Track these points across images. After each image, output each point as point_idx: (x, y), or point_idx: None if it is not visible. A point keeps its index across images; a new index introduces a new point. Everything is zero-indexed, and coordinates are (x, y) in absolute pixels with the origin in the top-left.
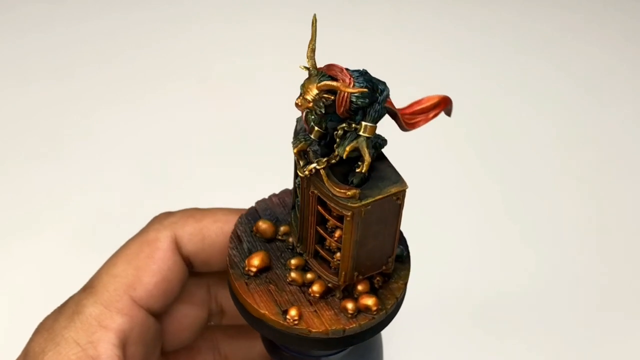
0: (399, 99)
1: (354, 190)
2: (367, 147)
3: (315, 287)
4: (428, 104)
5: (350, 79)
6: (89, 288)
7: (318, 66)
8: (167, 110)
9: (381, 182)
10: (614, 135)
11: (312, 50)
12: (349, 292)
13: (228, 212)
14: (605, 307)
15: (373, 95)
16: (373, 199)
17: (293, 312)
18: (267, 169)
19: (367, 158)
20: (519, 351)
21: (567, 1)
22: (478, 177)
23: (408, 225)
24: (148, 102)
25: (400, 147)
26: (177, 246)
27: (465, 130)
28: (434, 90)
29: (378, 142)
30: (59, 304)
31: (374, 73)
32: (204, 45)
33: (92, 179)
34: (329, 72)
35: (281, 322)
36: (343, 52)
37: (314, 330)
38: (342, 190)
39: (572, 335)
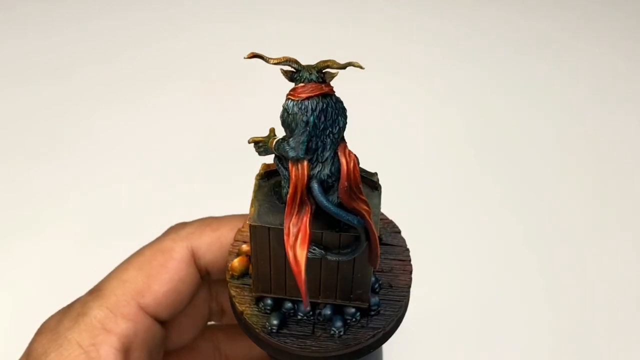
0: (400, 98)
1: (261, 173)
2: (263, 146)
3: None
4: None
5: (298, 96)
6: (96, 291)
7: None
8: (167, 110)
9: (279, 210)
10: (616, 134)
11: (327, 66)
12: None
13: (244, 218)
14: (611, 312)
15: (289, 131)
16: (257, 206)
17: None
18: None
19: (251, 138)
20: (521, 354)
21: (567, 1)
22: (478, 176)
23: (408, 225)
24: (148, 102)
25: (401, 146)
26: (195, 257)
27: (465, 130)
28: (433, 88)
29: (283, 165)
30: (60, 304)
31: (373, 72)
32: (204, 45)
33: (92, 178)
34: (318, 83)
35: None
36: (343, 50)
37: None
38: (263, 166)
39: (574, 338)
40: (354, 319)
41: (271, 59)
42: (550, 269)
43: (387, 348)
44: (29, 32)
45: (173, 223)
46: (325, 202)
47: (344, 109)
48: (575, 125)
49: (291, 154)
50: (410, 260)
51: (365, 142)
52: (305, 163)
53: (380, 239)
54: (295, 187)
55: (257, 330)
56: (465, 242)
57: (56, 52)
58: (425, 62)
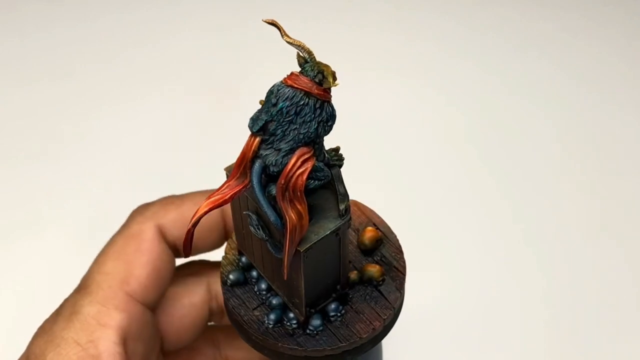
0: (401, 96)
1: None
2: None
3: None
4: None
5: (286, 80)
6: (83, 288)
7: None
8: (167, 110)
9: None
10: (616, 133)
11: (323, 70)
12: None
13: (206, 193)
14: (614, 313)
15: (263, 104)
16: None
17: None
18: None
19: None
20: (521, 354)
21: (568, 1)
22: (479, 175)
23: (408, 223)
24: (148, 102)
25: (401, 144)
26: (162, 235)
27: (466, 128)
28: (434, 86)
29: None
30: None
31: (374, 70)
32: (204, 45)
33: (92, 178)
34: (313, 82)
35: None
36: (344, 50)
37: None
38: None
39: (576, 339)
40: (289, 324)
41: (287, 35)
42: (551, 268)
43: (387, 348)
44: (29, 32)
45: None
46: (254, 182)
47: (327, 121)
48: (575, 123)
49: (248, 123)
50: (384, 320)
51: (366, 140)
52: (258, 139)
53: (379, 284)
54: (243, 156)
55: (220, 274)
56: (465, 241)
57: (56, 52)
58: (425, 61)
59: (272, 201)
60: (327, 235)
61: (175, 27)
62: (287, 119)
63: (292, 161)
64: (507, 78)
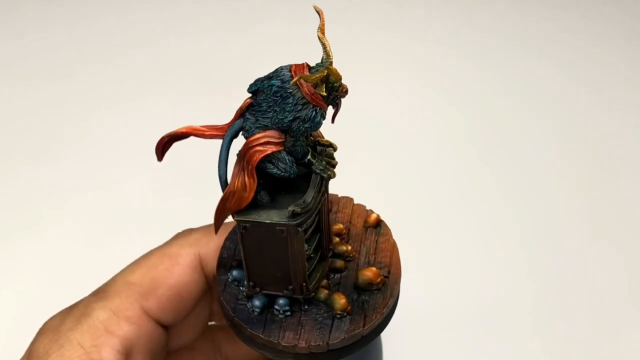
0: (400, 95)
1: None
2: None
3: None
4: None
5: (293, 66)
6: (101, 292)
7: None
8: (167, 110)
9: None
10: (615, 133)
11: (321, 74)
12: None
13: None
14: (606, 310)
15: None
16: None
17: None
18: None
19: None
20: (517, 354)
21: (568, 1)
22: (478, 175)
23: (408, 223)
24: (148, 102)
25: (401, 144)
26: (203, 264)
27: (466, 129)
28: (434, 87)
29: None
30: (60, 304)
31: (374, 70)
32: (205, 45)
33: (92, 178)
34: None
35: None
36: (345, 49)
37: None
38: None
39: (573, 339)
40: (241, 289)
41: (322, 30)
42: (550, 267)
43: (387, 347)
44: (29, 32)
45: (174, 223)
46: (226, 135)
47: (305, 122)
48: (575, 124)
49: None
50: (311, 347)
51: (365, 139)
52: (248, 100)
53: (337, 316)
54: (240, 109)
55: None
56: (465, 241)
57: (56, 52)
58: (426, 61)
59: None
60: (264, 222)
61: (175, 28)
62: (272, 97)
63: (257, 136)
64: (507, 78)
